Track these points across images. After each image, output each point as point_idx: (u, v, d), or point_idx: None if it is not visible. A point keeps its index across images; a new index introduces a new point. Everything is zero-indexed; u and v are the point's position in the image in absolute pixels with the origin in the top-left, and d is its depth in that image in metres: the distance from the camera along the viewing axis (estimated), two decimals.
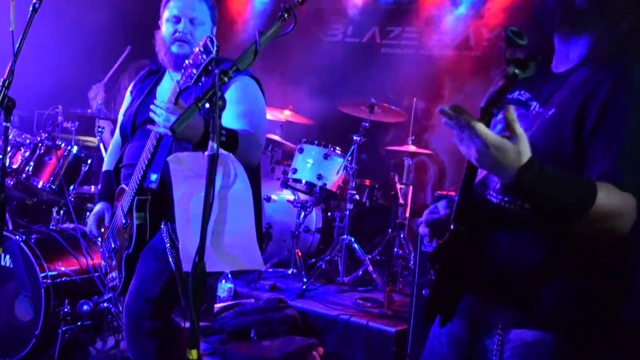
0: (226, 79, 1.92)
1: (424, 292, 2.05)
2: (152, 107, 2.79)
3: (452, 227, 1.89)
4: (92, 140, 5.80)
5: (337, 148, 6.09)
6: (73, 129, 5.34)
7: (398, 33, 8.11)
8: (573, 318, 1.89)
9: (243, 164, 2.69)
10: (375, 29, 8.23)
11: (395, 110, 6.19)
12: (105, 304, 4.20)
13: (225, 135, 2.68)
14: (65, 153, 5.02)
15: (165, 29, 3.24)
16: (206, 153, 1.83)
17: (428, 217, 2.15)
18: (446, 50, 7.75)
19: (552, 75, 2.08)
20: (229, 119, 2.97)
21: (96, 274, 4.33)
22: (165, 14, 3.24)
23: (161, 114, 2.74)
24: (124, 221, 3.11)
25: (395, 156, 6.73)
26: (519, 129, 1.62)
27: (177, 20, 3.19)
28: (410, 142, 6.26)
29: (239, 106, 3.04)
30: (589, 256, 1.88)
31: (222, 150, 2.30)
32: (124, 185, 3.18)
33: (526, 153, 1.63)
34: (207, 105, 1.86)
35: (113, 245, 3.22)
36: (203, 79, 2.50)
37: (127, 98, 3.49)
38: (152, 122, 2.92)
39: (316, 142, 6.09)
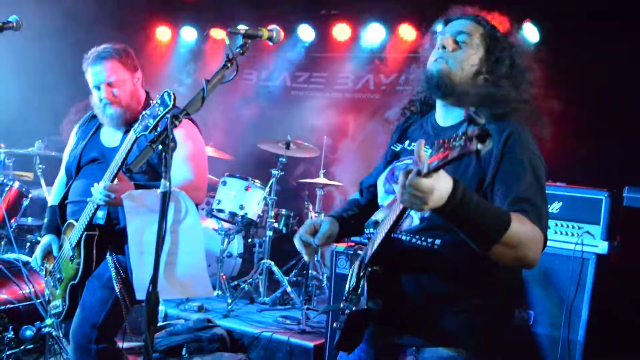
0: (177, 123, 2.06)
1: (334, 324, 2.11)
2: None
3: (369, 269, 2.04)
4: (27, 175, 5.73)
5: (257, 181, 6.27)
6: (10, 164, 5.33)
7: (306, 78, 8.51)
8: (478, 335, 2.05)
9: None
10: (286, 74, 8.58)
11: (309, 146, 6.45)
12: (46, 329, 4.14)
13: None
14: (7, 188, 4.97)
15: (93, 94, 3.24)
16: (159, 190, 1.94)
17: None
18: (349, 94, 8.18)
19: (440, 127, 2.18)
20: (175, 162, 2.93)
21: (38, 301, 4.25)
22: (89, 82, 3.24)
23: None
24: (71, 253, 3.13)
25: (306, 187, 6.92)
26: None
27: (97, 88, 3.19)
28: (321, 175, 6.51)
29: (181, 149, 3.03)
30: (488, 286, 2.06)
31: (174, 188, 2.48)
32: (72, 220, 3.19)
33: (448, 182, 1.62)
34: (160, 147, 1.99)
35: (59, 276, 3.22)
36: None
37: (73, 139, 3.49)
38: (97, 161, 3.18)
39: (238, 175, 6.26)
